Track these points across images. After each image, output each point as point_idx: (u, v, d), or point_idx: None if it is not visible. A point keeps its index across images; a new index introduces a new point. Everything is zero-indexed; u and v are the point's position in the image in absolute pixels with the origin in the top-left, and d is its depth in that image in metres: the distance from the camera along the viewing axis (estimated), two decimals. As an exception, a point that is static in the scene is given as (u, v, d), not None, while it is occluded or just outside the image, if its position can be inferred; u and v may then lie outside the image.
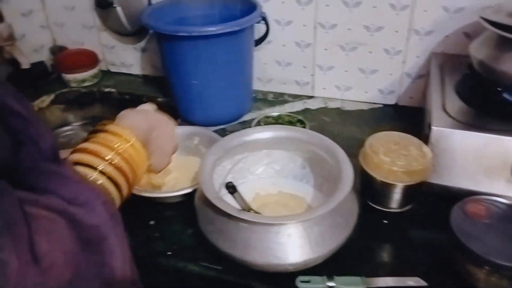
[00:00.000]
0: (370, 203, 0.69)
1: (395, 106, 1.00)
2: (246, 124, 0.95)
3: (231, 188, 0.62)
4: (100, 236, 0.35)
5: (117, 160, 0.46)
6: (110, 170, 0.45)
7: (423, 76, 0.94)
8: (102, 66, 1.20)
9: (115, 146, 0.47)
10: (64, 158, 0.44)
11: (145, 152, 0.52)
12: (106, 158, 0.46)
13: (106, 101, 1.15)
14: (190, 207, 0.66)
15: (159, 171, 0.63)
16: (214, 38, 0.80)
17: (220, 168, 0.69)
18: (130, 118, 0.53)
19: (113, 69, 1.22)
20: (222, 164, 0.70)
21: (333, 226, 0.55)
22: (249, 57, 0.93)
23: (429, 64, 0.89)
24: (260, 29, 0.95)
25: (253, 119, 0.95)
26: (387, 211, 0.68)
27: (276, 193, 0.70)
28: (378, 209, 0.68)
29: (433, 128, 0.66)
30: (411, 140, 0.67)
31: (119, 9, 1.02)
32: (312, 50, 0.99)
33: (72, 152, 0.46)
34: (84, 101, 1.15)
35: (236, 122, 0.96)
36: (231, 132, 0.91)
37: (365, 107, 1.01)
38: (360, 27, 0.92)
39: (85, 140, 0.49)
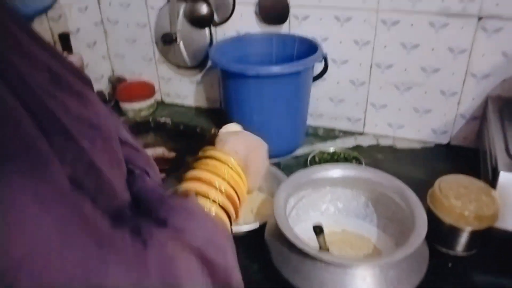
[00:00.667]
0: (435, 246, 0.69)
1: (447, 146, 1.01)
2: (300, 159, 0.98)
3: (318, 229, 0.63)
4: (228, 277, 0.37)
5: (225, 187, 0.46)
6: (221, 198, 0.45)
7: (477, 118, 0.95)
8: (157, 96, 1.25)
9: (223, 173, 0.47)
10: (185, 190, 0.44)
11: (244, 176, 0.52)
12: (217, 186, 0.45)
13: (160, 131, 1.19)
14: (255, 241, 0.68)
15: (250, 193, 0.62)
16: (277, 77, 0.84)
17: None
18: (230, 143, 0.52)
19: (167, 100, 1.27)
20: (288, 200, 0.72)
21: (408, 271, 0.56)
22: (307, 94, 0.96)
23: (485, 106, 0.91)
24: (316, 67, 0.99)
25: (306, 154, 0.97)
26: (452, 255, 0.68)
27: (340, 231, 0.72)
28: (443, 252, 0.69)
29: (501, 172, 0.66)
30: (479, 184, 0.67)
31: (181, 45, 1.08)
32: (366, 88, 1.02)
33: (184, 180, 0.46)
34: (139, 130, 1.20)
35: (290, 156, 0.99)
36: (286, 166, 0.94)
37: (417, 145, 1.02)
38: (416, 68, 0.95)
39: (193, 167, 0.48)
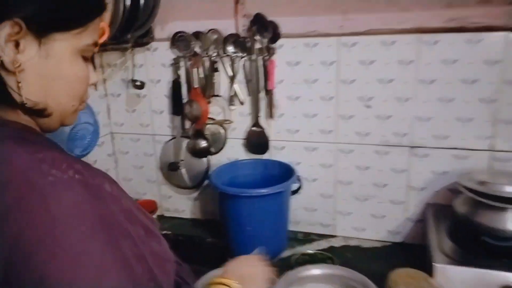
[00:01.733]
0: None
1: (401, 244, 1.25)
2: (285, 261, 1.19)
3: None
4: None
5: None
6: None
7: (422, 220, 1.21)
8: (158, 211, 1.47)
9: None
10: None
11: None
12: None
13: (163, 241, 1.38)
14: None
15: None
16: (265, 196, 1.09)
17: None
18: (236, 270, 0.72)
19: (167, 214, 1.49)
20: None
21: None
22: (287, 206, 1.22)
23: (426, 211, 1.18)
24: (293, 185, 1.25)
25: (290, 256, 1.19)
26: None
27: None
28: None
29: (435, 265, 0.91)
30: (421, 275, 0.91)
31: (183, 171, 1.33)
32: (333, 200, 1.28)
33: None
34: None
35: (277, 258, 1.20)
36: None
37: (378, 244, 1.26)
38: (370, 184, 1.23)
39: None
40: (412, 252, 1.19)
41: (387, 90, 1.14)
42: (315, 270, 0.96)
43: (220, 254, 1.18)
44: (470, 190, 0.97)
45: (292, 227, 1.34)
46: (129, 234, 0.50)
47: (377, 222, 1.26)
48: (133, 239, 0.50)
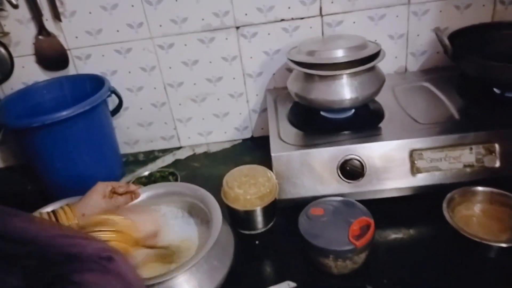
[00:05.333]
0: (240, 231, 0.79)
1: (252, 139, 1.14)
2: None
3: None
4: None
5: None
6: None
7: (266, 110, 1.09)
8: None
9: None
10: None
11: None
12: None
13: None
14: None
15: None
16: (68, 121, 0.86)
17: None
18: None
19: (-28, 168, 1.18)
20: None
21: (210, 270, 0.64)
22: (108, 128, 1.00)
23: (267, 99, 1.05)
24: (115, 99, 1.03)
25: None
26: (255, 233, 0.79)
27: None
28: (248, 234, 0.79)
29: (272, 155, 0.79)
30: (258, 169, 0.79)
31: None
32: (168, 107, 1.09)
33: None
34: None
35: (112, 189, 1.01)
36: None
37: (228, 145, 1.13)
38: (203, 81, 1.05)
39: None
40: (262, 146, 1.08)
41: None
42: (145, 193, 0.79)
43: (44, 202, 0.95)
44: (298, 63, 0.84)
45: (129, 149, 1.15)
46: None
47: (221, 121, 1.12)
48: None
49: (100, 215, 0.63)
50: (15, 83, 1.04)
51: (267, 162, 0.82)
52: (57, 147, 0.89)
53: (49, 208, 0.77)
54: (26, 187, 1.08)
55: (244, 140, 1.15)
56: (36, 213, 0.67)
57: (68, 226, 0.64)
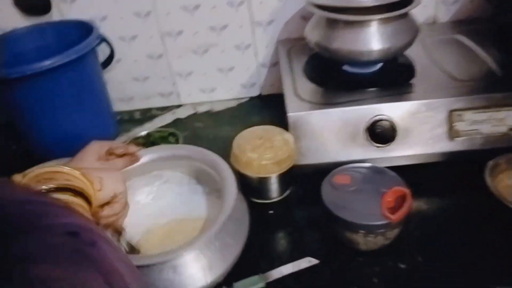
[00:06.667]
0: (253, 199, 0.70)
1: (260, 97, 1.03)
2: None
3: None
4: None
5: None
6: None
7: (277, 64, 0.98)
8: None
9: None
10: None
11: None
12: None
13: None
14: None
15: None
16: (52, 72, 0.74)
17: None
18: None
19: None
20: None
21: (232, 232, 0.55)
22: (99, 82, 0.88)
23: (279, 51, 0.93)
24: (105, 50, 0.90)
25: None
26: (269, 202, 0.70)
27: (165, 222, 0.66)
28: (261, 203, 0.70)
29: (289, 114, 0.69)
30: (274, 131, 0.69)
31: None
32: (166, 59, 0.97)
33: None
34: None
35: (106, 151, 0.91)
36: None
37: (233, 104, 1.02)
38: (206, 29, 0.93)
39: None
40: (273, 105, 0.98)
41: None
42: (147, 156, 0.68)
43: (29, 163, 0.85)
44: (320, 7, 0.72)
45: (123, 107, 1.04)
46: None
47: (226, 76, 1.00)
48: None
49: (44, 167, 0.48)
50: (-9, 30, 0.90)
51: (278, 124, 0.72)
52: (41, 103, 0.78)
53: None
54: (10, 146, 0.97)
55: (252, 98, 1.03)
56: (19, 176, 0.56)
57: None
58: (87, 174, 0.49)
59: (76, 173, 0.48)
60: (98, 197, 0.49)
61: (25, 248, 0.28)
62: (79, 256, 0.30)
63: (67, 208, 0.34)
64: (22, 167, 0.71)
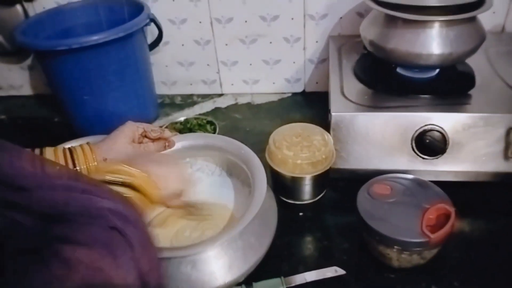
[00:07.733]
0: (283, 199, 0.67)
1: (303, 93, 1.00)
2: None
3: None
4: None
5: None
6: None
7: (325, 61, 0.94)
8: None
9: None
10: None
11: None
12: None
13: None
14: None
15: None
16: (98, 48, 0.74)
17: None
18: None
19: (1, 94, 1.10)
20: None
21: (247, 246, 0.52)
22: (144, 63, 0.88)
23: (330, 47, 0.89)
24: (154, 31, 0.90)
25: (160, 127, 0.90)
26: (301, 204, 0.67)
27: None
28: (292, 203, 0.67)
29: (332, 114, 0.65)
30: (314, 130, 0.66)
31: (-8, 29, 0.92)
32: (213, 46, 0.96)
33: None
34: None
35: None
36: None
37: (274, 98, 0.99)
38: (256, 18, 0.90)
39: None
40: (316, 103, 0.94)
41: None
42: (181, 143, 0.67)
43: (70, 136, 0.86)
44: (379, 3, 0.68)
45: (166, 90, 1.03)
46: None
47: (271, 69, 0.97)
48: None
49: (113, 164, 0.50)
50: (47, 1, 0.92)
51: (319, 123, 0.68)
52: (85, 77, 0.78)
53: (69, 145, 0.67)
54: (53, 118, 1.00)
55: (294, 94, 1.00)
56: (50, 149, 0.56)
57: (81, 171, 0.53)
58: (150, 174, 0.49)
59: (142, 175, 0.48)
60: (160, 195, 0.50)
61: (66, 231, 0.31)
62: (115, 244, 0.30)
63: (115, 199, 0.34)
64: (62, 139, 0.73)
